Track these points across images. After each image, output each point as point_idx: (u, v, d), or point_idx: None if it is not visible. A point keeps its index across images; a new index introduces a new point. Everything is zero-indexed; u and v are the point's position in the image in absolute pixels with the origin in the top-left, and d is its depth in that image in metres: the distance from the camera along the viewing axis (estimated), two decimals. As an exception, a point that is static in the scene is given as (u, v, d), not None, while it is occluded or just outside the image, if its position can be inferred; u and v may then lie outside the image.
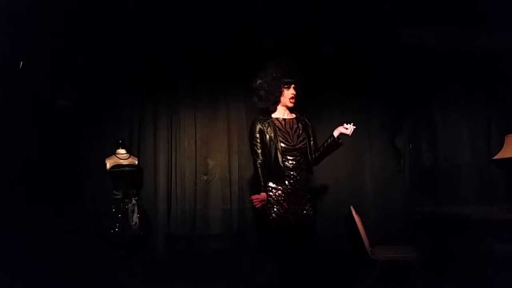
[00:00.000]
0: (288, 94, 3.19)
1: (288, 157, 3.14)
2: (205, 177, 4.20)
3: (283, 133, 3.17)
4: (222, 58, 4.19)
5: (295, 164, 3.14)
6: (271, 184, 3.13)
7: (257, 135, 3.18)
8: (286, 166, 3.12)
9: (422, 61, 4.40)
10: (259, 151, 3.16)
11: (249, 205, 4.05)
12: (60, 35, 3.72)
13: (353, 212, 3.69)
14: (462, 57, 4.44)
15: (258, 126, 3.18)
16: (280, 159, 3.11)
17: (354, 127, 3.18)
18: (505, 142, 4.35)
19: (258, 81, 3.20)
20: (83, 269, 3.52)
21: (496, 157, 4.37)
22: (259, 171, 3.13)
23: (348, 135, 3.21)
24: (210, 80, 4.25)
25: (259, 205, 3.04)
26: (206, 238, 4.06)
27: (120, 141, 3.92)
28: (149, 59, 4.13)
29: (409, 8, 3.91)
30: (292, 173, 3.13)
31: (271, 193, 3.11)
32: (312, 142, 3.28)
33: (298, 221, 3.12)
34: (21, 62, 3.59)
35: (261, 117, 3.23)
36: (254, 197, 3.06)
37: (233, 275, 2.59)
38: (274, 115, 3.24)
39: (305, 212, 3.15)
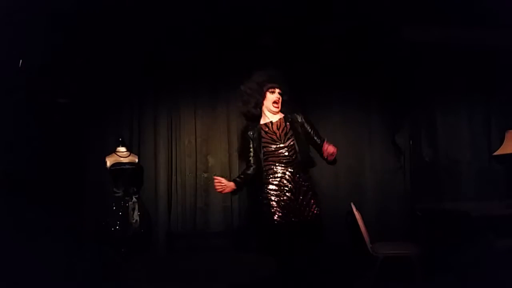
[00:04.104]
0: (272, 98, 3.23)
1: (280, 157, 3.15)
2: (205, 175, 4.20)
3: (270, 135, 3.20)
4: (222, 56, 4.18)
5: (288, 160, 3.15)
6: (271, 186, 3.13)
7: (246, 143, 3.28)
8: (280, 165, 3.14)
9: (423, 58, 4.38)
10: (250, 159, 3.25)
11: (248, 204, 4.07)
12: (61, 33, 3.72)
13: (354, 209, 3.69)
14: (462, 53, 4.43)
15: (247, 134, 3.28)
16: (271, 161, 3.15)
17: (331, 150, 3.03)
18: (505, 138, 4.34)
19: (242, 87, 3.28)
20: (84, 268, 3.53)
21: (496, 153, 4.37)
22: (243, 178, 3.22)
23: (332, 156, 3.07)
24: (210, 78, 4.24)
25: (219, 188, 3.07)
26: (206, 235, 4.07)
27: (120, 139, 3.93)
28: (149, 57, 4.12)
29: (410, 5, 3.90)
30: (288, 170, 3.13)
31: (272, 197, 3.11)
32: (311, 131, 3.28)
33: (304, 223, 3.11)
34: (21, 61, 3.59)
35: (249, 125, 3.31)
36: (217, 179, 3.09)
37: (234, 273, 2.60)
38: (262, 121, 3.29)
39: (311, 212, 3.13)
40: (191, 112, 4.23)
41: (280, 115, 3.29)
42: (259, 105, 3.27)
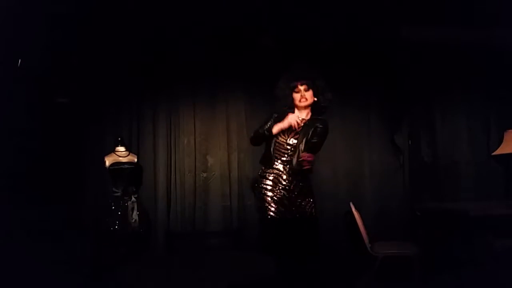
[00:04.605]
0: (297, 97, 3.26)
1: (281, 152, 3.18)
2: (204, 174, 4.20)
3: (283, 130, 3.20)
4: (221, 55, 4.18)
5: (288, 159, 3.17)
6: (267, 181, 3.15)
7: (266, 120, 3.27)
8: (280, 161, 3.16)
9: (422, 58, 4.39)
10: (266, 126, 3.23)
11: (249, 202, 4.07)
12: (60, 33, 3.72)
13: (353, 209, 3.69)
14: (461, 53, 4.43)
15: (272, 114, 3.28)
16: (275, 154, 3.18)
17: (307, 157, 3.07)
18: (504, 138, 4.34)
19: (275, 90, 3.32)
20: (83, 267, 3.53)
21: (495, 153, 4.37)
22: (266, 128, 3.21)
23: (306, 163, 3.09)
24: (209, 77, 4.24)
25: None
26: (205, 235, 4.07)
27: (119, 139, 3.93)
28: (149, 57, 4.12)
29: (409, 5, 3.90)
30: (285, 168, 3.14)
31: (268, 192, 3.13)
32: (315, 140, 3.25)
33: (298, 218, 3.12)
34: (20, 60, 3.59)
35: (280, 108, 3.31)
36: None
37: (234, 273, 2.60)
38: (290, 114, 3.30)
39: (306, 210, 3.15)
40: (190, 111, 4.23)
41: (307, 117, 3.28)
42: (292, 106, 3.30)
